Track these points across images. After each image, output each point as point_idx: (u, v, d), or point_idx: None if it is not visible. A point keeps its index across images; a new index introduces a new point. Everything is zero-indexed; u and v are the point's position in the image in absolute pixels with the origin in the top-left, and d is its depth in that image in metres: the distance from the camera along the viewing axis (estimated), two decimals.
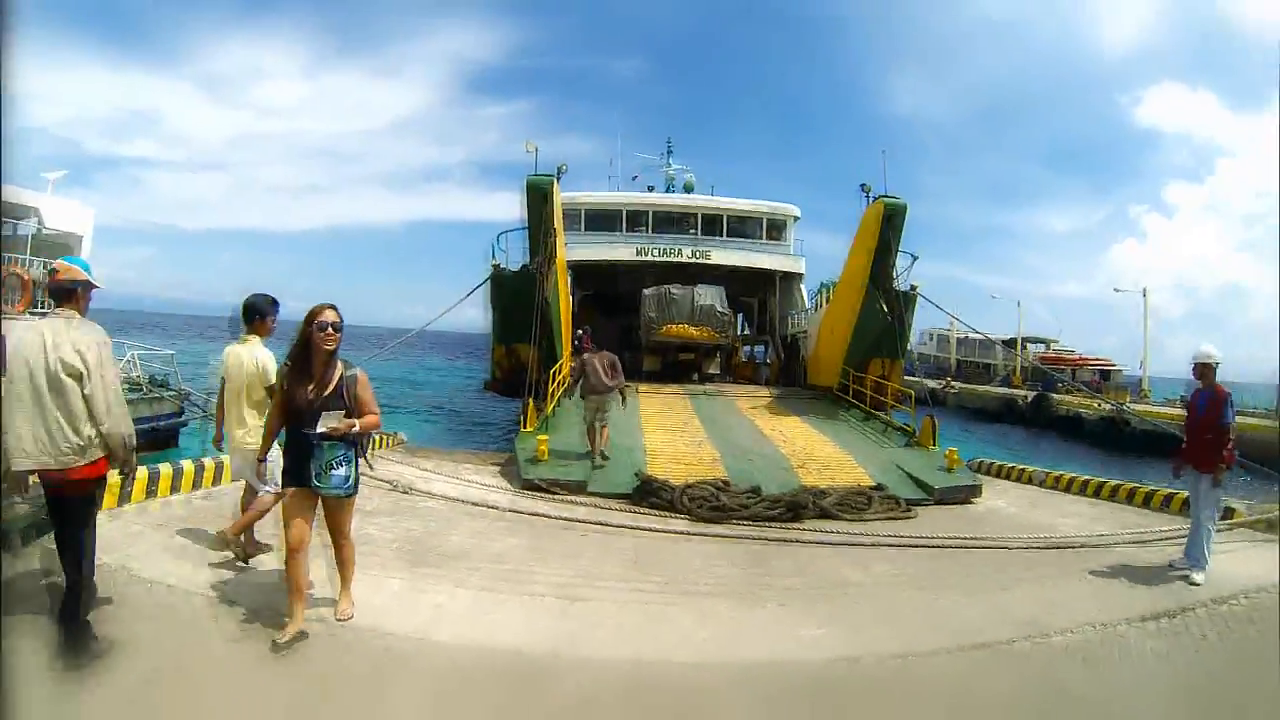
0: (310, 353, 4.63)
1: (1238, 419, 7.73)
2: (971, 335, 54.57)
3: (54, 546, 4.31)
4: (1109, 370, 47.21)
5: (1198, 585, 6.77)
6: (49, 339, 4.10)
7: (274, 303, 6.44)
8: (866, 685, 4.57)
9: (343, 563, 4.98)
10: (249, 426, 6.18)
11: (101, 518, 5.38)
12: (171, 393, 17.07)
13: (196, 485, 8.40)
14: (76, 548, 4.21)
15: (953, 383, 47.40)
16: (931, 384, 45.73)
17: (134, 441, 4.38)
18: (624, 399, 12.06)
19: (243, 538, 6.07)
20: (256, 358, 6.18)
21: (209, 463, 8.66)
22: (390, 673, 4.32)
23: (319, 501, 4.67)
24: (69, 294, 4.40)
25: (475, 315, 19.95)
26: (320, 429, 4.42)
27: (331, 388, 4.63)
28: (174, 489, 8.09)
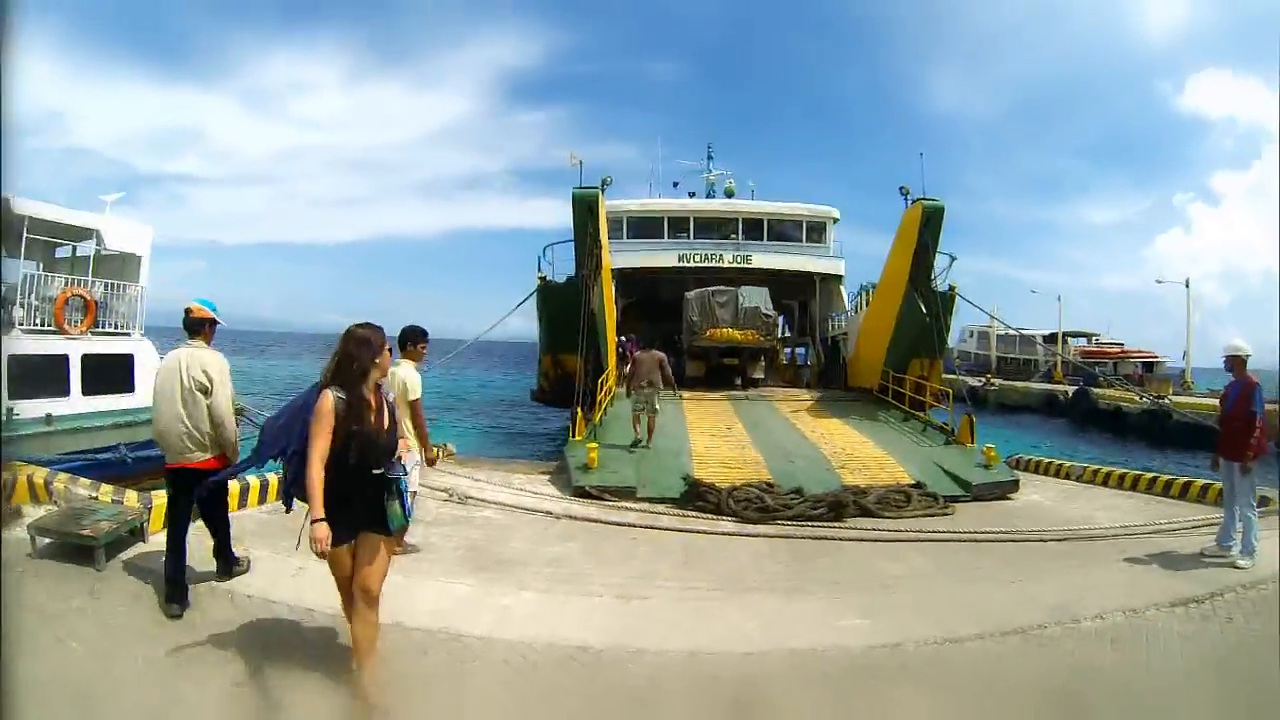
0: (364, 379, 4.18)
1: (1271, 407, 7.95)
2: (1012, 332, 54.38)
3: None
4: (1152, 362, 46.79)
5: (1242, 569, 7.07)
6: (184, 362, 5.67)
7: (424, 332, 7.57)
8: (906, 669, 4.94)
9: (369, 625, 4.29)
10: (413, 440, 7.07)
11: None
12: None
13: (262, 500, 8.91)
14: (217, 517, 5.96)
15: (993, 380, 47.16)
16: (972, 381, 45.59)
17: (239, 441, 5.97)
18: (670, 391, 13.96)
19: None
20: (403, 377, 7.07)
21: (272, 478, 9.09)
22: (466, 669, 4.75)
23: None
24: (199, 328, 5.88)
25: (518, 324, 20.46)
26: (407, 458, 4.65)
27: (389, 413, 4.34)
28: (242, 504, 8.54)
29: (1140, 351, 48.78)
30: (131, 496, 7.53)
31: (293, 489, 4.20)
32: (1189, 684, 4.72)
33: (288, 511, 4.36)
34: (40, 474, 7.88)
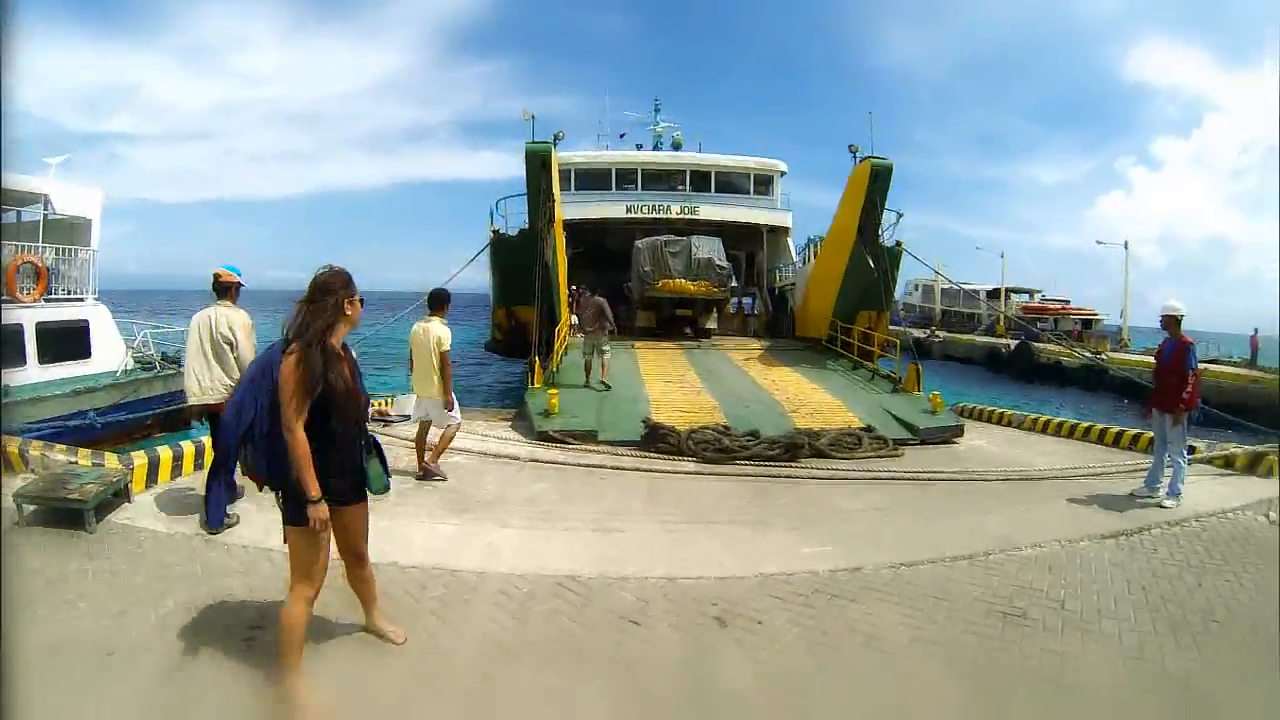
0: (330, 330, 3.77)
1: (1217, 367, 8.51)
2: (956, 286, 55.54)
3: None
4: (1090, 320, 48.19)
5: (1168, 509, 7.70)
6: (214, 319, 6.65)
7: (449, 295, 8.66)
8: (868, 588, 5.44)
9: (369, 580, 4.41)
10: (433, 381, 8.36)
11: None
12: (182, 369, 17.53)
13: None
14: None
15: (937, 332, 48.31)
16: (917, 333, 46.70)
17: None
18: (609, 337, 14.70)
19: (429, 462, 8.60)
20: (436, 332, 8.30)
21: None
22: (466, 600, 5.09)
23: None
24: (226, 290, 6.81)
25: (465, 276, 20.48)
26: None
27: (357, 368, 4.02)
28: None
29: (1079, 309, 50.21)
30: (111, 459, 7.63)
31: (271, 472, 3.76)
32: (1116, 604, 5.23)
33: (275, 491, 3.85)
34: (13, 443, 7.81)
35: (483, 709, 3.76)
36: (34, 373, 14.08)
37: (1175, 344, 8.30)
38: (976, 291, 53.03)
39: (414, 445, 8.77)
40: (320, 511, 3.63)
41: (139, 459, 7.61)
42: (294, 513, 3.67)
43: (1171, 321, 8.39)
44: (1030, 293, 55.19)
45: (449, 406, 8.56)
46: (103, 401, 14.54)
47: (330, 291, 3.74)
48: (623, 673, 4.13)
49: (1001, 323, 45.95)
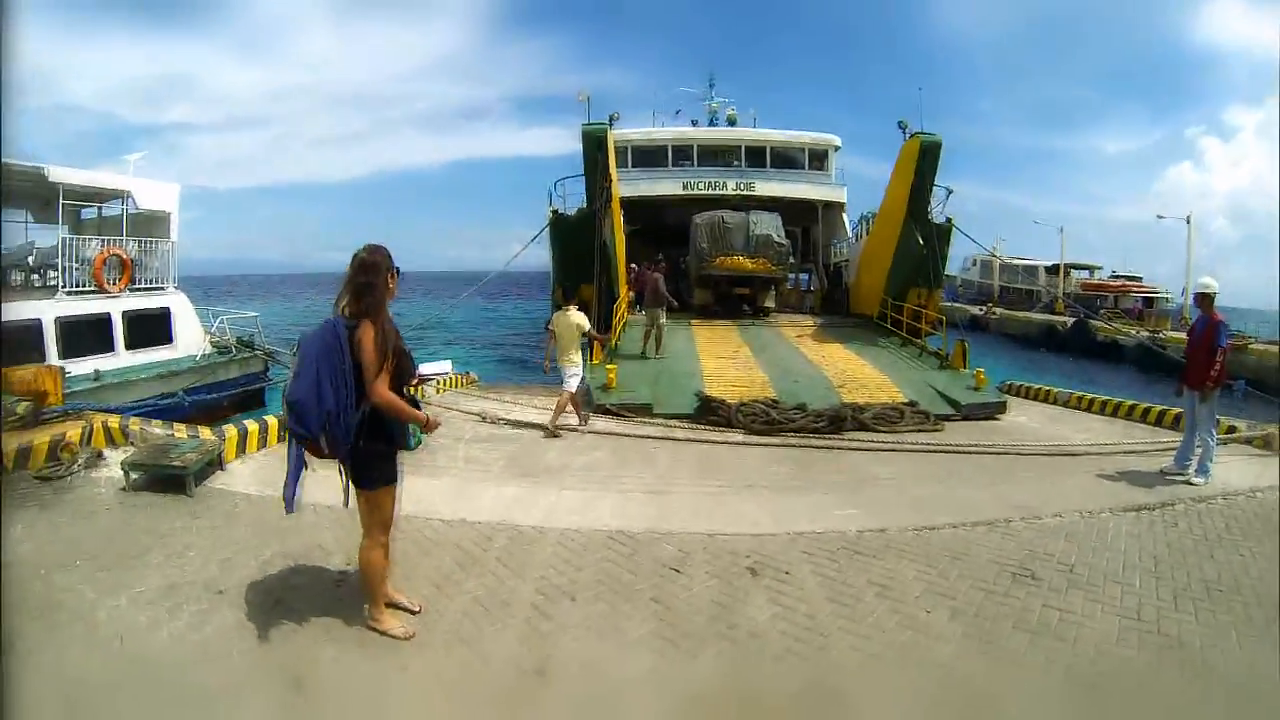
0: (384, 303, 4.11)
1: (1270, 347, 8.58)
2: (1015, 262, 54.72)
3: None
4: (1152, 297, 47.18)
5: (1196, 486, 7.95)
6: None
7: (575, 291, 10.67)
8: (890, 547, 5.96)
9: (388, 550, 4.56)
10: (573, 359, 10.44)
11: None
12: (257, 353, 18.55)
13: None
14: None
15: (994, 309, 47.79)
16: (974, 310, 46.31)
17: None
18: (665, 312, 15.62)
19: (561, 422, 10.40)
20: (574, 322, 10.48)
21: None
22: (528, 550, 5.74)
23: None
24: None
25: (526, 255, 21.01)
26: (437, 371, 4.80)
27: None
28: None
29: (1141, 285, 49.13)
30: (205, 431, 8.48)
31: (339, 446, 4.00)
32: (1124, 570, 5.63)
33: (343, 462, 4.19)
34: (114, 420, 8.63)
35: (538, 634, 4.39)
36: (123, 358, 15.12)
37: (1207, 321, 8.50)
38: (1035, 267, 52.30)
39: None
40: (436, 421, 4.29)
41: (230, 432, 8.41)
42: (365, 480, 4.21)
43: (1204, 299, 8.58)
44: (1091, 269, 54.08)
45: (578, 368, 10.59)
46: (185, 384, 15.44)
47: (380, 269, 4.07)
48: (662, 609, 4.74)
49: (1061, 299, 45.33)
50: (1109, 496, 7.59)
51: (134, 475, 7.08)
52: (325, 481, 7.01)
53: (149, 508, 6.50)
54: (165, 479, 7.00)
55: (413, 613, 4.57)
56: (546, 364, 10.84)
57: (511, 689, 3.84)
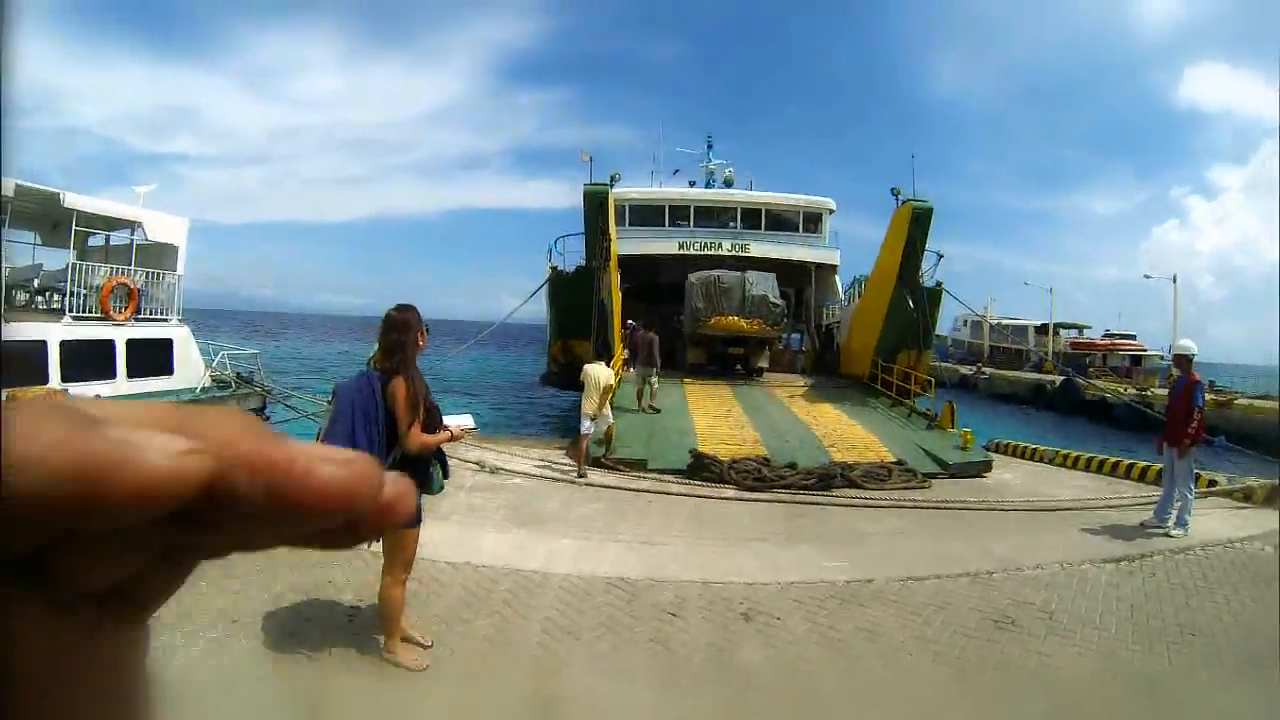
0: (413, 359, 4.44)
1: (1264, 403, 8.86)
2: (1005, 322, 55.37)
3: None
4: (1140, 355, 47.73)
5: (1174, 538, 8.27)
6: None
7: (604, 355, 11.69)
8: (877, 596, 6.23)
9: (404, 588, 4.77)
10: (594, 404, 11.33)
11: None
12: (256, 388, 18.67)
13: None
14: None
15: (984, 369, 48.25)
16: (964, 370, 46.76)
17: None
18: (657, 371, 16.28)
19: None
20: (603, 373, 11.61)
21: None
22: (531, 594, 5.98)
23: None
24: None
25: (513, 306, 21.46)
26: (459, 424, 5.14)
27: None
28: None
29: (1128, 344, 49.74)
30: None
31: None
32: (1102, 617, 5.92)
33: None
34: None
35: (547, 668, 4.64)
36: (122, 385, 15.18)
37: (1184, 381, 8.90)
38: (1025, 327, 52.93)
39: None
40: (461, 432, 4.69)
41: None
42: None
43: (1183, 360, 9.04)
44: (1079, 328, 54.74)
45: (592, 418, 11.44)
46: None
47: (410, 327, 4.38)
48: (661, 649, 5.00)
49: (1050, 359, 45.83)
50: (1089, 549, 7.90)
51: None
52: None
53: None
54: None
55: (425, 647, 4.79)
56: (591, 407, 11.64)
57: (521, 718, 4.08)
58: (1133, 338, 50.69)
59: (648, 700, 4.35)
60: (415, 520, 4.52)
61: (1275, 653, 5.29)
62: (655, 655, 4.93)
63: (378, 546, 4.61)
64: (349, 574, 6.07)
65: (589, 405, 11.48)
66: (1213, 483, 10.85)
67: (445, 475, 4.65)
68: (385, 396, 4.26)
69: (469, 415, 4.70)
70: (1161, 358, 45.92)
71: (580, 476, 10.99)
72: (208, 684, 4.24)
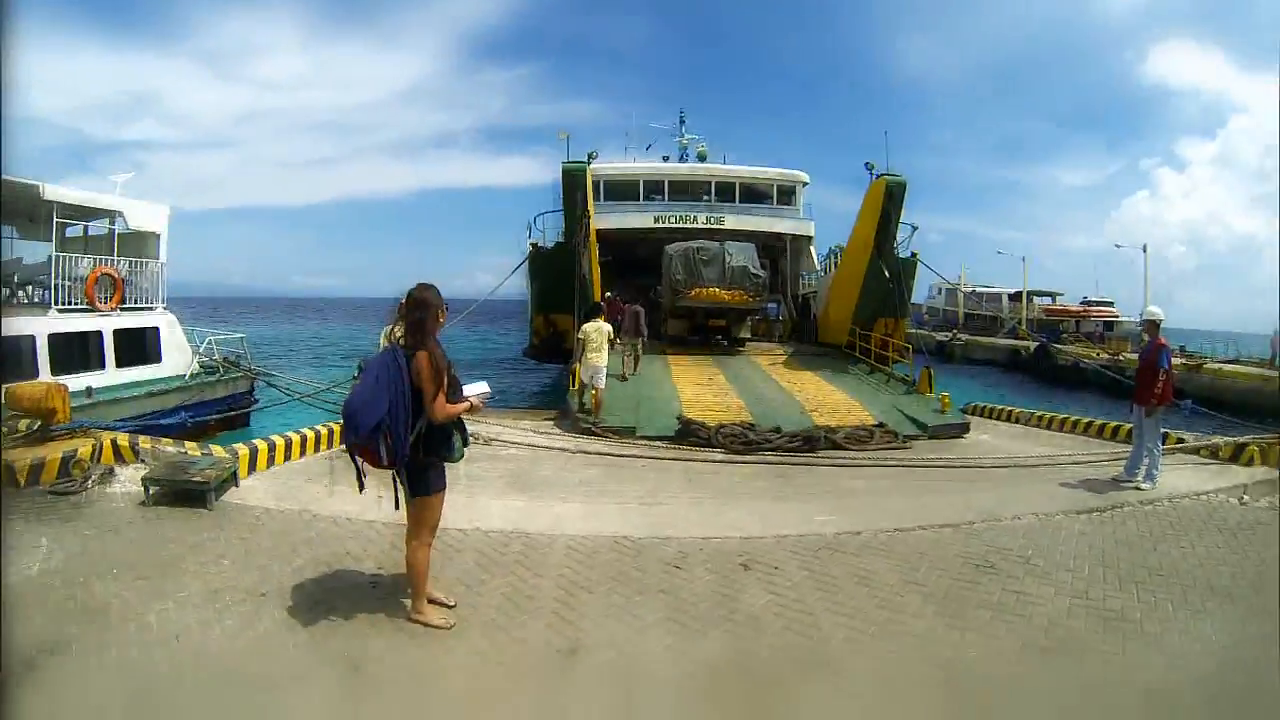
0: (434, 334, 4.70)
1: (1233, 367, 9.24)
2: (979, 289, 56.13)
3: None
4: (1112, 321, 48.55)
5: (1143, 491, 8.75)
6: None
7: (600, 307, 14.37)
8: (866, 546, 6.66)
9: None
10: (603, 356, 13.37)
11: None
12: (242, 373, 18.87)
13: (318, 447, 10.20)
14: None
15: (959, 335, 48.97)
16: (940, 336, 47.47)
17: None
18: (643, 341, 17.49)
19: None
20: (603, 328, 13.64)
21: (322, 429, 10.55)
22: (541, 554, 6.33)
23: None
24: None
25: (490, 283, 21.71)
26: (477, 392, 5.01)
27: None
28: (303, 451, 9.89)
29: (1101, 311, 50.56)
30: (219, 449, 8.92)
31: (396, 456, 4.53)
32: (1075, 560, 6.34)
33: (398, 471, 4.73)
34: (123, 437, 9.04)
35: (566, 619, 5.00)
36: (111, 375, 15.39)
37: (1152, 345, 9.35)
38: (999, 294, 53.71)
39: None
40: (482, 399, 4.94)
41: (242, 449, 8.90)
42: (417, 486, 4.79)
43: (1151, 325, 9.49)
44: (1053, 295, 55.55)
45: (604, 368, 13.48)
46: (173, 402, 15.79)
47: (430, 305, 4.64)
48: (671, 599, 5.38)
49: (1023, 325, 46.55)
50: (1063, 501, 8.36)
51: (153, 490, 7.48)
52: (342, 495, 7.60)
53: (171, 520, 6.94)
54: (184, 494, 7.43)
55: (449, 607, 5.11)
56: (583, 361, 13.65)
57: (547, 665, 4.42)
58: (1111, 304, 51.48)
59: (663, 644, 4.70)
60: (440, 485, 4.86)
61: (1234, 586, 5.77)
62: (665, 603, 5.30)
63: (401, 514, 4.93)
64: (364, 545, 6.42)
65: (599, 358, 13.35)
66: (1180, 440, 11.35)
67: (465, 443, 4.94)
68: (410, 370, 4.54)
69: (484, 382, 4.98)
70: (1133, 322, 46.75)
71: (597, 423, 12.57)
72: (248, 652, 4.51)
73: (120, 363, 15.80)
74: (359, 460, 4.68)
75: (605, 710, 4.05)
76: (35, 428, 8.88)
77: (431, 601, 5.05)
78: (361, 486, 4.75)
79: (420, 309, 4.63)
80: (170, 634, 4.67)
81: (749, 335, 25.25)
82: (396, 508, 4.80)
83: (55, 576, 5.52)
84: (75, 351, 14.81)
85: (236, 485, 8.15)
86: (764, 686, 4.28)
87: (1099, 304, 51.70)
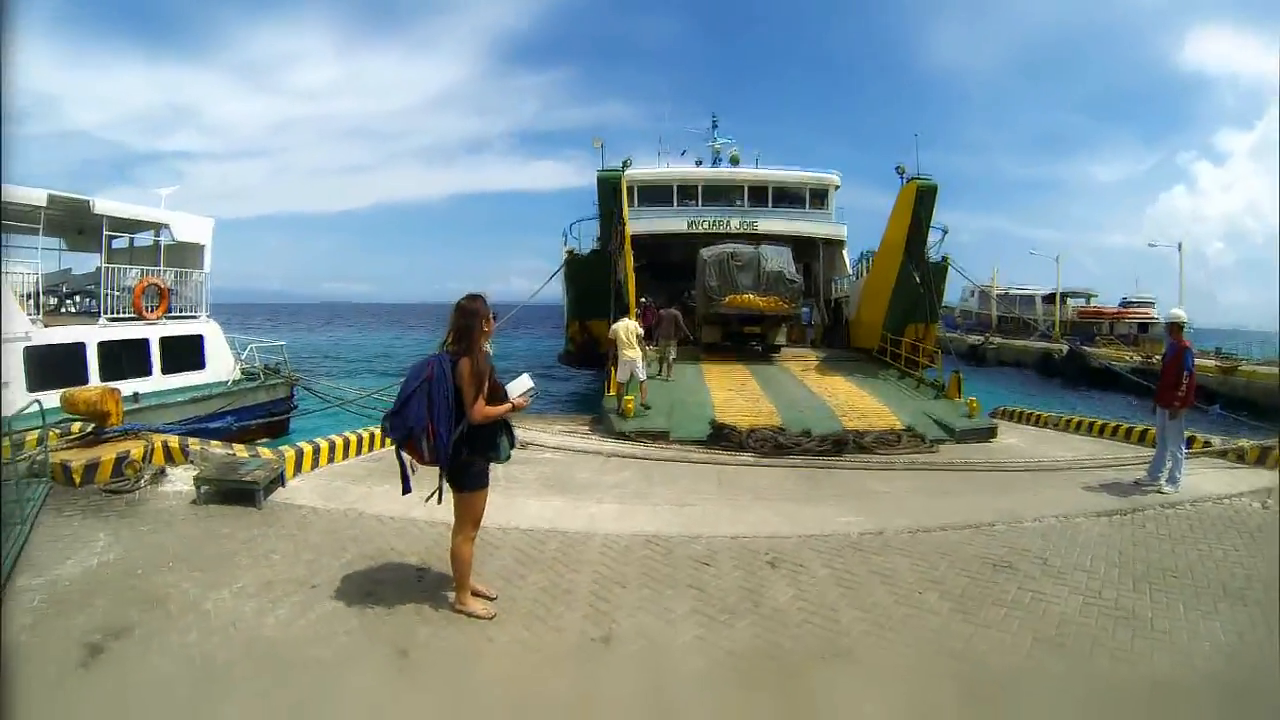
0: (481, 342, 5.04)
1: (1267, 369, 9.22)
2: (1012, 291, 55.82)
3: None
4: (1147, 322, 48.18)
5: (1167, 494, 8.89)
6: None
7: (627, 308, 15.31)
8: (887, 545, 6.95)
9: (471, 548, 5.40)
10: (636, 350, 14.45)
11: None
12: (282, 379, 19.43)
13: (360, 451, 10.67)
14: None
15: (992, 338, 48.80)
16: (972, 339, 47.32)
17: None
18: (677, 346, 18.40)
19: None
20: (631, 325, 14.79)
21: (364, 433, 10.99)
22: (577, 551, 6.68)
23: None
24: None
25: (524, 288, 22.16)
26: (520, 387, 5.27)
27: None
28: (345, 455, 10.35)
29: (1135, 311, 50.18)
30: (265, 451, 9.37)
31: (439, 455, 4.90)
32: (1092, 561, 6.56)
33: (442, 469, 5.09)
34: (173, 440, 9.64)
35: (601, 611, 5.34)
36: (157, 381, 16.00)
37: (1175, 347, 9.49)
38: (1032, 296, 53.40)
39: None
40: (524, 400, 5.20)
41: (289, 452, 9.34)
42: (461, 482, 5.15)
43: (1174, 327, 9.64)
44: (1087, 296, 55.18)
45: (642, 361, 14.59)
46: (216, 407, 16.40)
47: (477, 314, 5.00)
48: (700, 593, 5.70)
49: (1057, 327, 46.35)
50: (1085, 503, 8.55)
51: (204, 489, 7.94)
52: (385, 496, 8.00)
53: (223, 518, 7.38)
54: (235, 493, 7.88)
55: (490, 599, 5.45)
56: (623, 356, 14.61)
57: (584, 652, 4.76)
58: (1152, 303, 50.83)
59: (693, 634, 5.02)
60: (482, 483, 5.21)
61: (1248, 588, 5.97)
62: (694, 597, 5.62)
63: (442, 514, 5.29)
64: (408, 542, 6.80)
65: (634, 351, 14.49)
66: (1207, 443, 11.46)
67: (512, 445, 5.30)
68: (454, 375, 4.90)
69: (526, 376, 5.31)
70: (1155, 324, 46.22)
71: (647, 408, 14.10)
72: (303, 638, 4.87)
73: (166, 369, 16.37)
74: (405, 458, 5.05)
75: (638, 692, 4.37)
76: (89, 430, 9.40)
77: (475, 594, 5.40)
78: (406, 488, 5.07)
79: (466, 317, 4.99)
80: (227, 621, 5.05)
81: (784, 341, 24.51)
82: (440, 502, 5.13)
83: (114, 568, 5.96)
84: (123, 358, 15.39)
85: (283, 486, 8.59)
86: (786, 674, 4.57)
87: (1139, 303, 51.19)
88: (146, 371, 15.88)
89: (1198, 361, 10.12)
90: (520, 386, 5.23)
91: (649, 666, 4.63)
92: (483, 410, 4.93)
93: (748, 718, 4.16)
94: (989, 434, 13.36)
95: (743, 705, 4.25)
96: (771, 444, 11.49)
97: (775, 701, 4.27)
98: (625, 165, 19.66)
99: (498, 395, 5.10)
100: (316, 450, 9.80)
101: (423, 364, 5.02)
